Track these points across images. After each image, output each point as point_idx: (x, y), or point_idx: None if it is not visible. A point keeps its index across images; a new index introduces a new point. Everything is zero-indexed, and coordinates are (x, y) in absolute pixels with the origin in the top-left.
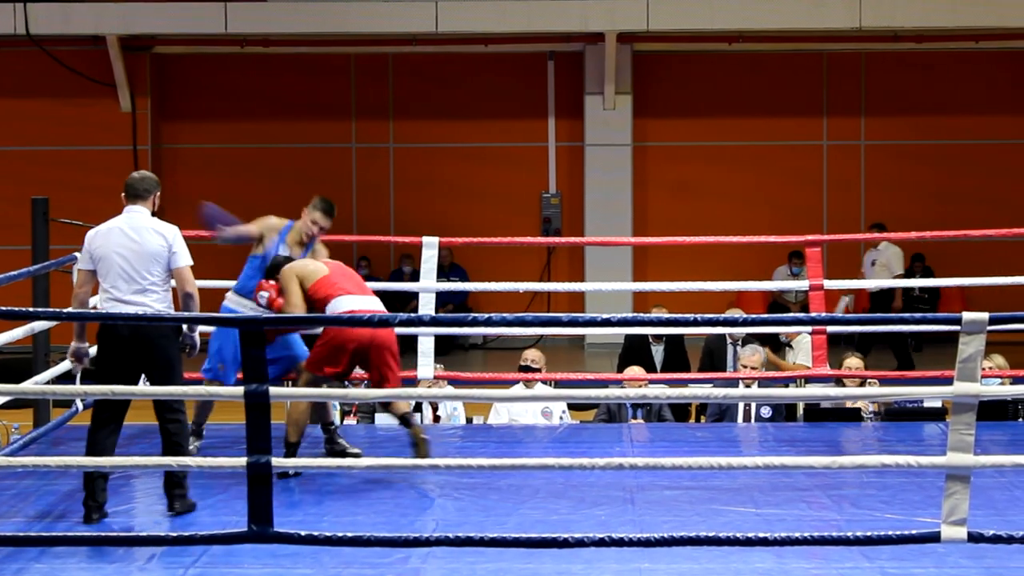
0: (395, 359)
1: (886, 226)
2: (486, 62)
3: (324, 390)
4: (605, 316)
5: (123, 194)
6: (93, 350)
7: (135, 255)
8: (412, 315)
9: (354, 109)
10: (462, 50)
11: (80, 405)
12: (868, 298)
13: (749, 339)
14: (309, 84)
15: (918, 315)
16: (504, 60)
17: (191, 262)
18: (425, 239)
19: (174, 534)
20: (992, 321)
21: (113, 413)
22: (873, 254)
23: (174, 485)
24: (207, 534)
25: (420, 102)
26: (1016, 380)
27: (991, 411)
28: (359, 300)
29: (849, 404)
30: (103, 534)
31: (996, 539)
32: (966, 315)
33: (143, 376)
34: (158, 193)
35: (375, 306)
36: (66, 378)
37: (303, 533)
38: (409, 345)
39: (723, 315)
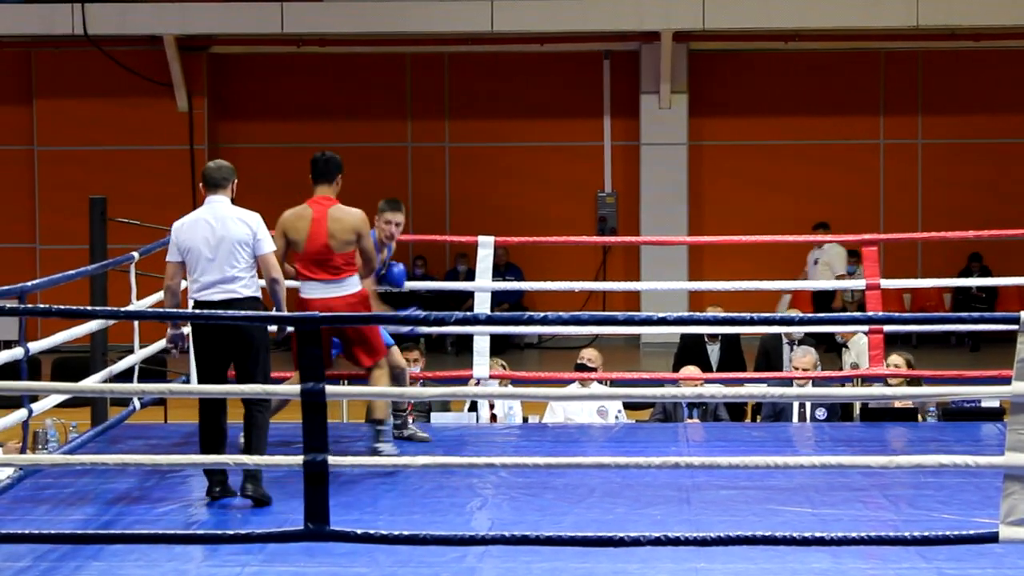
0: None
1: (830, 225)
2: (541, 61)
3: (379, 388)
4: (661, 315)
5: (202, 184)
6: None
7: (220, 244)
8: (468, 314)
9: (410, 109)
10: (517, 49)
11: (137, 404)
12: (811, 298)
13: (806, 339)
14: (365, 84)
15: (975, 314)
16: (559, 59)
17: (275, 248)
18: (480, 238)
19: (231, 532)
20: None
21: (211, 400)
22: (816, 253)
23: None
24: (264, 532)
25: (475, 102)
26: None
27: None
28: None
29: (901, 404)
30: (161, 532)
31: None
32: None
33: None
34: (235, 181)
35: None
36: (124, 376)
37: (359, 531)
38: (465, 344)
39: (779, 314)
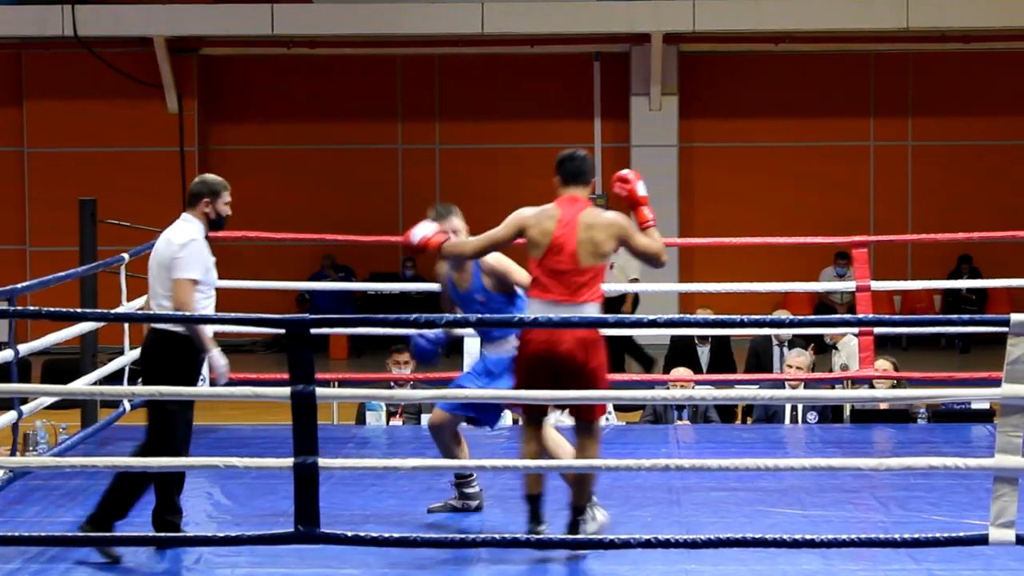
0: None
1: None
2: (532, 63)
3: (368, 391)
4: (651, 317)
5: None
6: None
7: (153, 264)
8: (458, 316)
9: (400, 110)
10: (508, 51)
11: (127, 406)
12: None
13: (796, 341)
14: (355, 85)
15: (965, 316)
16: (550, 61)
17: (192, 275)
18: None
19: (221, 534)
20: None
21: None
22: (611, 257)
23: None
24: (254, 534)
25: (466, 103)
26: None
27: None
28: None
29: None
30: (150, 534)
31: None
32: (1014, 316)
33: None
34: (211, 199)
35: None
36: (114, 379)
37: (349, 534)
38: (455, 347)
39: (769, 316)
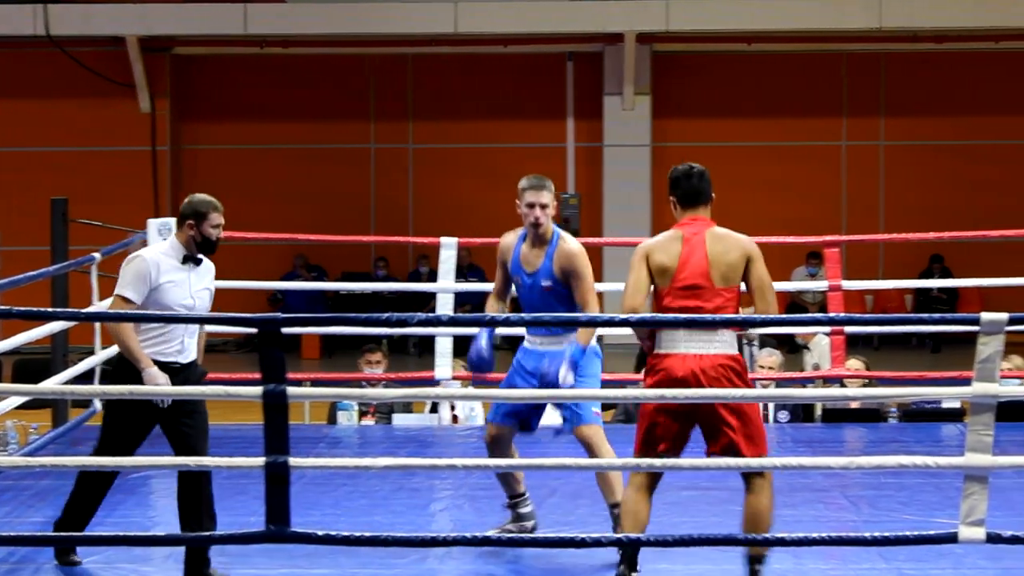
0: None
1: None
2: (505, 63)
3: (339, 390)
4: (624, 316)
5: None
6: None
7: None
8: (430, 315)
9: (373, 110)
10: (481, 51)
11: (98, 405)
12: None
13: (766, 340)
14: (328, 85)
15: (936, 316)
16: (523, 61)
17: (124, 293)
18: (443, 239)
19: (191, 534)
20: (1011, 321)
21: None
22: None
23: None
24: (224, 534)
25: (439, 103)
26: None
27: (1010, 412)
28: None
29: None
30: (120, 534)
31: (1015, 540)
32: (984, 315)
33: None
34: (195, 222)
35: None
36: (85, 379)
37: (320, 533)
38: (428, 346)
39: (740, 315)
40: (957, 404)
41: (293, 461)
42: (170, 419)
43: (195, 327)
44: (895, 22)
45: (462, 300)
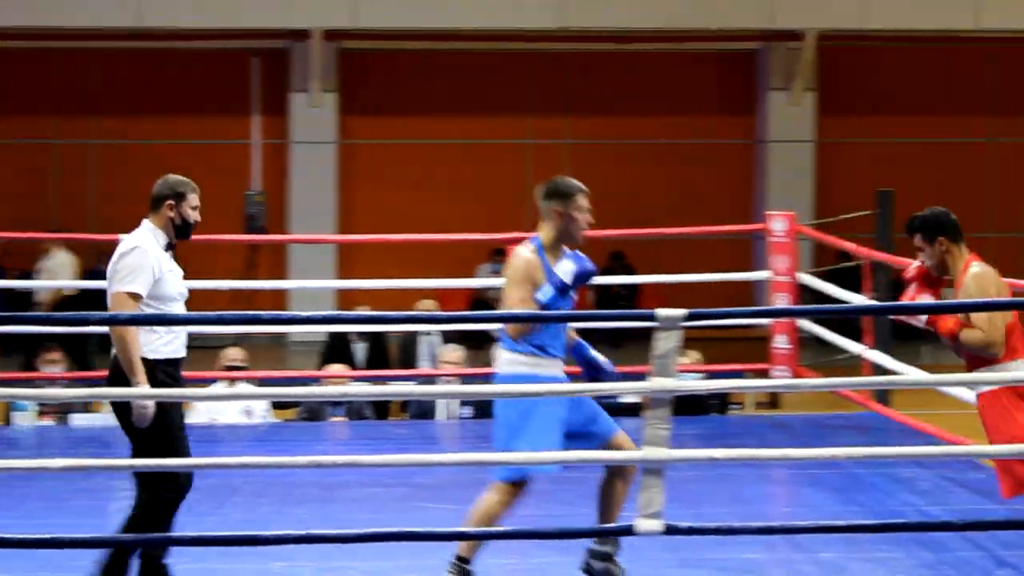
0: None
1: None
2: (190, 58)
3: (15, 390)
4: (306, 314)
5: None
6: None
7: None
8: (109, 313)
9: (54, 104)
10: (166, 45)
11: None
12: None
13: (450, 336)
14: (13, 78)
15: (615, 312)
16: (208, 56)
17: (129, 288)
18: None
19: None
20: (688, 317)
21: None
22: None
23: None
24: None
25: (123, 98)
26: (712, 375)
27: (688, 406)
28: None
29: None
30: None
31: (691, 531)
32: (660, 311)
33: None
34: (175, 202)
35: None
36: None
37: None
38: (107, 345)
39: (423, 312)
40: (637, 399)
41: None
42: None
43: None
44: (579, 22)
45: None
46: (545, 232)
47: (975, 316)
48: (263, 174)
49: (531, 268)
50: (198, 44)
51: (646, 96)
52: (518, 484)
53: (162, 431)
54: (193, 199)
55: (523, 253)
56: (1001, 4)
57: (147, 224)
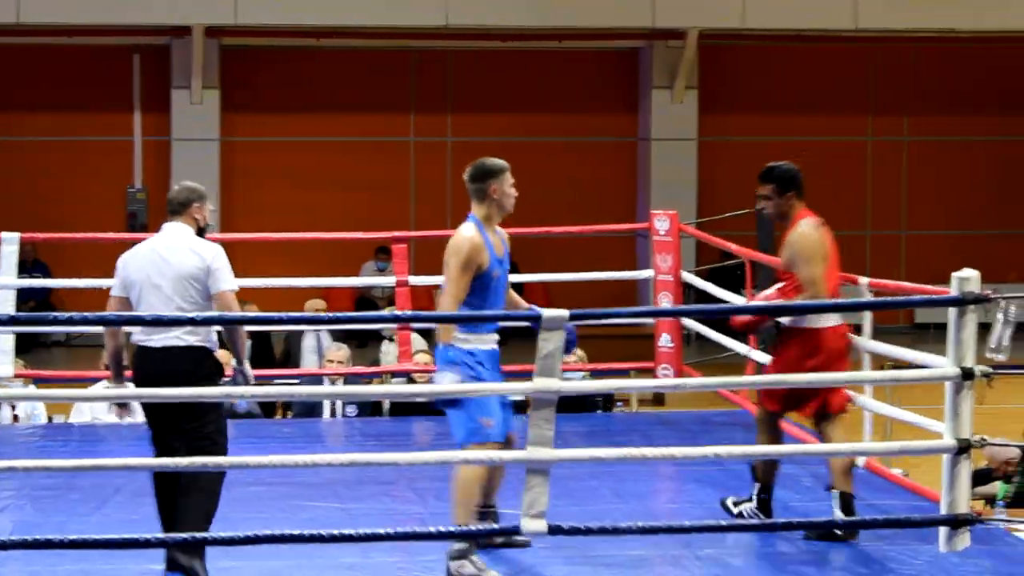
0: None
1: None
2: (70, 54)
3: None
4: (204, 315)
5: None
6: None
7: (167, 279)
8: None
9: None
10: (44, 41)
11: None
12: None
13: (337, 335)
14: None
15: (499, 312)
16: (89, 52)
17: (235, 286)
18: (4, 235)
19: None
20: (572, 318)
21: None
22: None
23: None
24: None
25: (1, 95)
26: (597, 373)
27: (572, 403)
28: None
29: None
30: None
31: (574, 531)
32: (544, 312)
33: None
34: (200, 205)
35: None
36: None
37: None
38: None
39: (309, 313)
40: (521, 398)
41: None
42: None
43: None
44: (462, 20)
45: (26, 296)
46: (481, 210)
47: (802, 279)
48: (144, 171)
49: (476, 251)
50: (79, 40)
51: (530, 94)
52: (482, 446)
53: (221, 413)
54: (209, 204)
55: (466, 233)
56: (879, 5)
57: (179, 225)
